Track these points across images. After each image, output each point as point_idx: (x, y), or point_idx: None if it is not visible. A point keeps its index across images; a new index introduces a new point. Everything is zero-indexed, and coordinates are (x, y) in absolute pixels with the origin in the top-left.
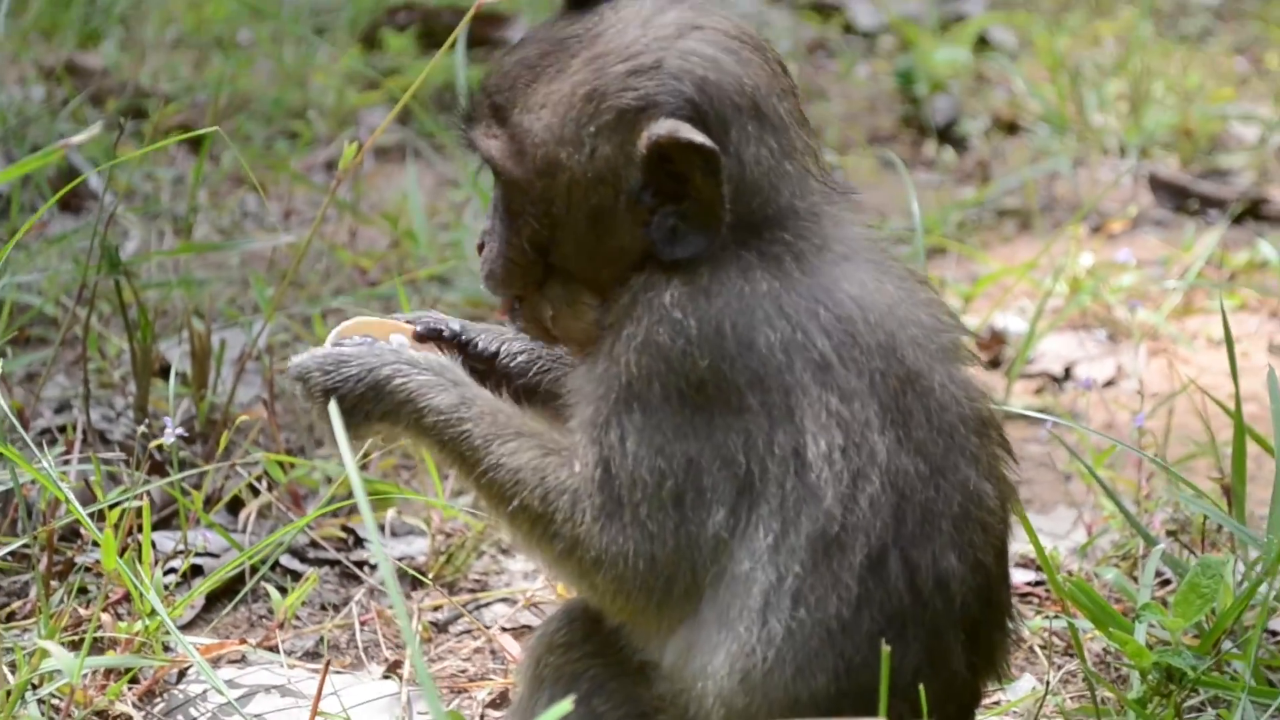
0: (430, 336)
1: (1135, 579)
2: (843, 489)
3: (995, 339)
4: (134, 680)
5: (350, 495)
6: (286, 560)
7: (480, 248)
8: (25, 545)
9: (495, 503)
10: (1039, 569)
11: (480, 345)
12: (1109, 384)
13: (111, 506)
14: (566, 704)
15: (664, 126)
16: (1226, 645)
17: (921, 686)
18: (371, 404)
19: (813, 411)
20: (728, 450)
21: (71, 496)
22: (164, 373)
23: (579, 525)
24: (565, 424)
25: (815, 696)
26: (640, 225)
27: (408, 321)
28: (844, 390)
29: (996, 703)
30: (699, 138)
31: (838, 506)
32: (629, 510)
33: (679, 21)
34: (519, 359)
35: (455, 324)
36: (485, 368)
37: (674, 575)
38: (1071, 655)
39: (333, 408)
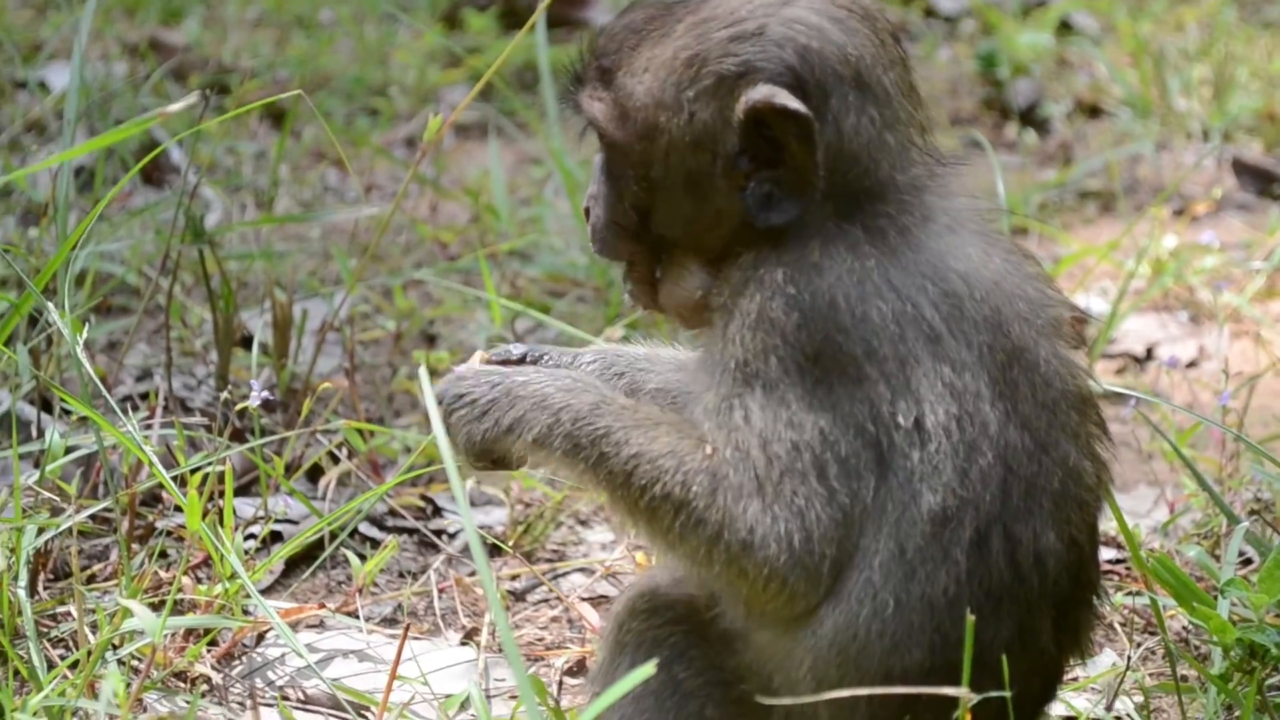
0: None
1: (1217, 557)
2: (960, 461)
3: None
4: (213, 643)
5: (428, 464)
6: (365, 528)
7: (587, 212)
8: (108, 509)
9: (638, 495)
10: (1121, 546)
11: (553, 361)
12: (1191, 365)
13: (193, 471)
14: (649, 668)
15: (761, 92)
16: None
17: (1006, 661)
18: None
19: (928, 381)
20: (856, 419)
21: (155, 459)
22: (245, 343)
23: (721, 508)
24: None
25: (908, 671)
26: (736, 190)
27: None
28: (955, 362)
29: (1075, 678)
30: (794, 104)
31: (956, 479)
32: (770, 487)
33: None
34: (591, 369)
35: (521, 348)
36: None
37: (825, 553)
38: (1152, 632)
39: (422, 373)
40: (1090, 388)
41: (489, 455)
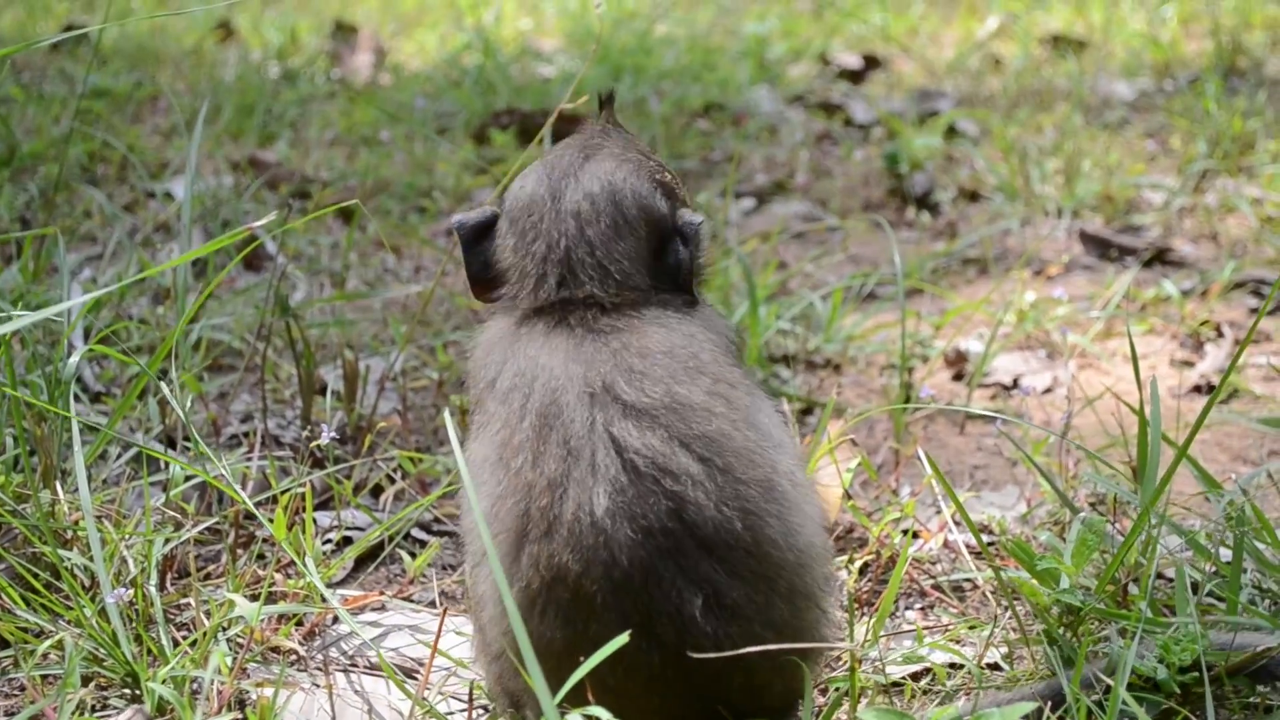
0: None
1: (1064, 539)
2: None
3: (959, 358)
4: (299, 624)
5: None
6: (416, 532)
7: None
8: (218, 522)
9: None
10: (992, 532)
11: None
12: (1047, 391)
13: (283, 492)
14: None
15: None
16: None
17: None
18: None
19: None
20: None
21: (238, 489)
22: (323, 391)
23: None
24: None
25: None
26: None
27: None
28: None
29: (959, 641)
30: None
31: None
32: None
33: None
34: None
35: None
36: None
37: None
38: (1018, 596)
39: (447, 415)
40: None
41: None
